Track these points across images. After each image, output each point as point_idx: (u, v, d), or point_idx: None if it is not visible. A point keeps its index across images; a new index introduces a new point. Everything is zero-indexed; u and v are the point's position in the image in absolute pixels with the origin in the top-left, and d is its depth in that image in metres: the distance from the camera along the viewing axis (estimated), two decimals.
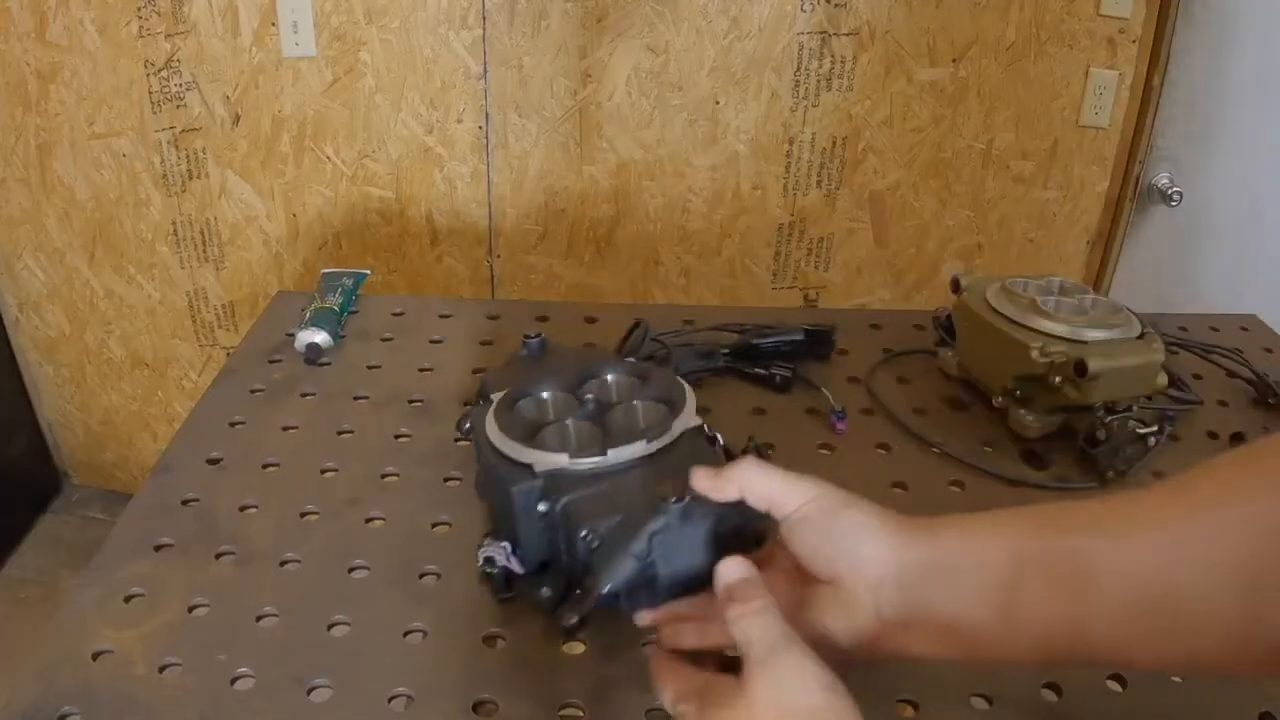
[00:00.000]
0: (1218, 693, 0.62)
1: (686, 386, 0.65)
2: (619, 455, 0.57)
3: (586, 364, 0.69)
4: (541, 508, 0.56)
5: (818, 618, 0.50)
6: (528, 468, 0.58)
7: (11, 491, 2.02)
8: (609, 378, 0.69)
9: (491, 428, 0.62)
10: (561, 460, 0.57)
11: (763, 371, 0.89)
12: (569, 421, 0.64)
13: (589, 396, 0.65)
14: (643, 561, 0.51)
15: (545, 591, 0.56)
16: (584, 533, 0.53)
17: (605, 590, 0.51)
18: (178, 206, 1.75)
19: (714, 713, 0.45)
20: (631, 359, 0.73)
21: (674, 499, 0.50)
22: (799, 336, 0.93)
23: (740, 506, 0.51)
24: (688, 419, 0.62)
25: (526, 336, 0.73)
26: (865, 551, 0.49)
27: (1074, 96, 1.63)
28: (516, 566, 0.58)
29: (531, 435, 0.62)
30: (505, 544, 0.58)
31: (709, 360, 0.89)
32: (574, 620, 0.53)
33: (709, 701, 0.45)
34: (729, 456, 0.62)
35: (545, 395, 0.67)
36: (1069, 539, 0.45)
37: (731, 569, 0.49)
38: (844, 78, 1.61)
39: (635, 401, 0.65)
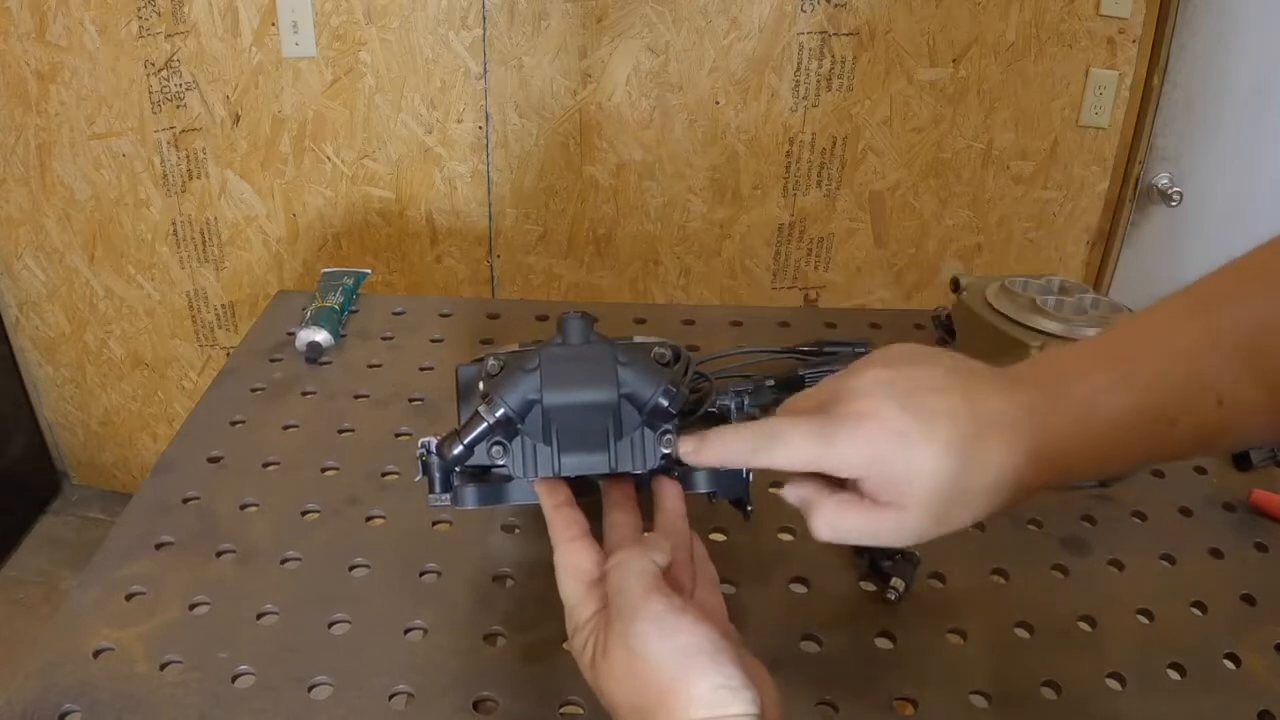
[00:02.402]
0: (1217, 692, 0.62)
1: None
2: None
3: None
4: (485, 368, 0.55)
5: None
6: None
7: (11, 491, 2.02)
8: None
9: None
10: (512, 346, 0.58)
11: None
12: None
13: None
14: (530, 373, 0.51)
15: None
16: (489, 361, 0.53)
17: (499, 414, 0.51)
18: (178, 206, 1.75)
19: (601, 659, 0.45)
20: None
21: (579, 314, 0.51)
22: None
23: (637, 354, 0.52)
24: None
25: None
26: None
27: (1074, 96, 1.63)
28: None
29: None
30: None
31: (757, 397, 0.87)
32: (458, 448, 0.52)
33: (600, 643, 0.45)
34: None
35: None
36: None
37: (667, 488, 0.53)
38: (844, 78, 1.61)
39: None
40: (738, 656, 0.42)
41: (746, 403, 0.59)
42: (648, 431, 0.53)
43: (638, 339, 0.60)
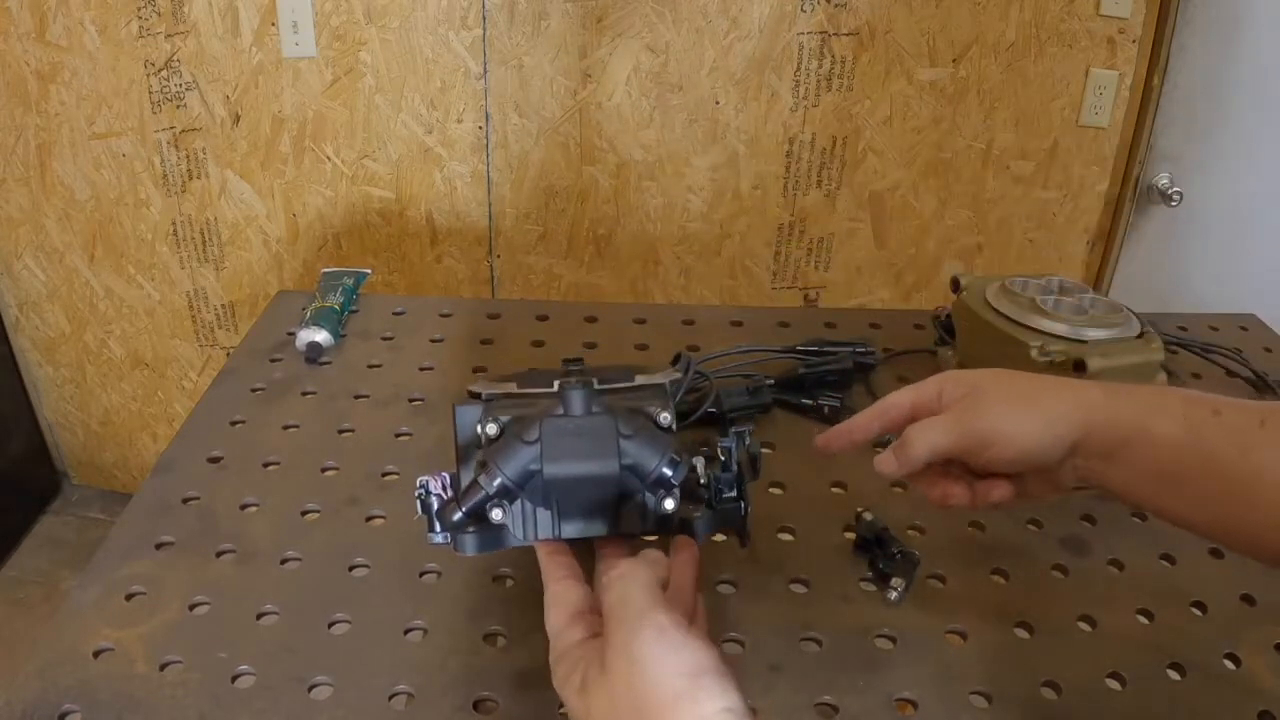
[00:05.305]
0: (1216, 692, 0.62)
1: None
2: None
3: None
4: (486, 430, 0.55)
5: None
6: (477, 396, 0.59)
7: (11, 491, 2.02)
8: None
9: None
10: (510, 387, 0.59)
11: (810, 402, 0.88)
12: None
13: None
14: (531, 445, 0.51)
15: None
16: (488, 422, 0.53)
17: (497, 483, 0.51)
18: (178, 206, 1.75)
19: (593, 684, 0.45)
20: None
21: (580, 384, 0.51)
22: (848, 365, 0.91)
23: (644, 424, 0.52)
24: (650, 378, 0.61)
25: (568, 361, 0.62)
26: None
27: (1074, 96, 1.63)
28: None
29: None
30: (445, 474, 0.56)
31: (757, 397, 0.87)
32: (458, 515, 0.53)
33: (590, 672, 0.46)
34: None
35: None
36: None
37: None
38: (844, 78, 1.61)
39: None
40: (739, 684, 0.42)
41: (747, 439, 0.59)
42: (648, 493, 0.53)
43: (640, 379, 0.60)
